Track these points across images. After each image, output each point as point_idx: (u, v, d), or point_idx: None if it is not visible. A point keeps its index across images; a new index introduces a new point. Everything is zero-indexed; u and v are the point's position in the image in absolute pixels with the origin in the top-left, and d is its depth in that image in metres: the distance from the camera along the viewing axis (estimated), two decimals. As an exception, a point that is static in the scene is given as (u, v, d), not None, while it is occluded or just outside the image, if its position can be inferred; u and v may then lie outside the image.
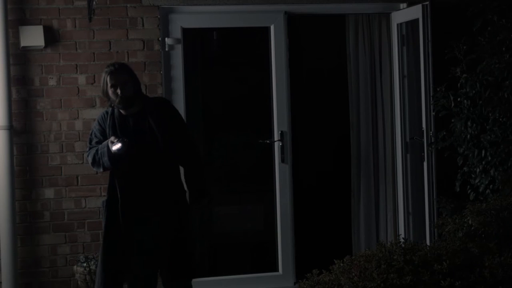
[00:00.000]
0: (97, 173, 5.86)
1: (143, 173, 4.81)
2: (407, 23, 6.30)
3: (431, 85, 5.88)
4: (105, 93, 4.83)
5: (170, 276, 4.87)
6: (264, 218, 6.77)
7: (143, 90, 5.23)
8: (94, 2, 5.58)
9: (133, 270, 4.81)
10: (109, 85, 4.79)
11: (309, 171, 7.38)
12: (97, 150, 4.83)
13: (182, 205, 4.91)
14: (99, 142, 4.87)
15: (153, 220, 4.81)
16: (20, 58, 5.79)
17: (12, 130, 5.71)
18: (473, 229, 4.22)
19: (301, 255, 6.42)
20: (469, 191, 5.53)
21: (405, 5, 6.31)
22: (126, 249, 4.78)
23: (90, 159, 4.91)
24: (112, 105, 4.86)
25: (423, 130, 6.00)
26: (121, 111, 4.86)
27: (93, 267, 5.51)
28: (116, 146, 4.69)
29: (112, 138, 4.73)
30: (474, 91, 5.48)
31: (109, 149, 4.73)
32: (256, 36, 6.48)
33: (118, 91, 4.76)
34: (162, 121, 4.84)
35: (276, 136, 6.25)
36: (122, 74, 4.81)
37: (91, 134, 4.96)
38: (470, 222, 4.29)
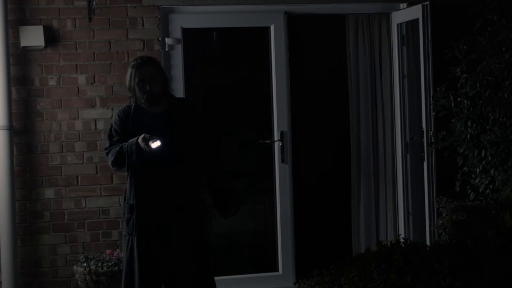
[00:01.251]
0: (96, 173, 5.86)
1: (164, 175, 4.54)
2: (407, 23, 6.30)
3: (431, 85, 5.88)
4: (132, 89, 4.55)
5: None
6: (264, 218, 6.77)
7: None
8: (94, 2, 5.58)
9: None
10: (136, 80, 4.52)
11: (309, 171, 7.37)
12: (121, 148, 4.52)
13: (198, 215, 4.65)
14: (120, 140, 4.57)
15: (168, 226, 4.58)
16: (20, 58, 5.79)
17: (12, 130, 5.71)
18: (473, 229, 4.22)
19: (301, 255, 6.41)
20: (469, 191, 5.53)
21: (405, 5, 6.31)
22: (160, 254, 4.58)
23: (111, 158, 4.58)
24: (138, 101, 4.59)
25: (423, 130, 6.00)
26: (146, 108, 4.60)
27: (93, 267, 5.50)
28: (156, 144, 4.40)
29: (147, 136, 4.43)
30: (474, 91, 5.48)
31: (138, 148, 4.44)
32: (256, 36, 6.48)
33: (147, 86, 4.51)
34: (187, 125, 4.59)
35: (276, 136, 6.24)
36: (149, 67, 4.55)
37: (110, 130, 4.68)
38: (470, 222, 4.29)
